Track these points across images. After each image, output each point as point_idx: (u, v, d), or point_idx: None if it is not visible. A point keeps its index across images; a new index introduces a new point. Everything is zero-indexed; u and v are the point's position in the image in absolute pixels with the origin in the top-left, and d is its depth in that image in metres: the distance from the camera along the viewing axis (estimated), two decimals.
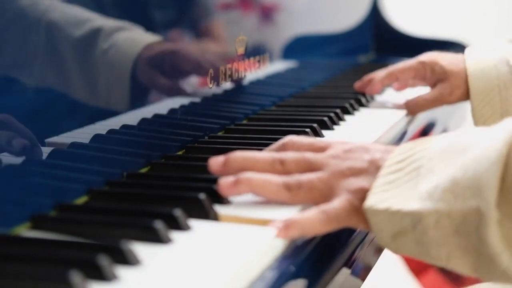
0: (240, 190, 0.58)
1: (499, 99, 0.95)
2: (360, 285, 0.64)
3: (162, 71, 0.79)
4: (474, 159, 0.51)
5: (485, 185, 0.49)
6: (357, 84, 1.08)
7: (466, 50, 1.03)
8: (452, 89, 0.99)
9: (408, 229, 0.52)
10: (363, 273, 0.65)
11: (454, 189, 0.50)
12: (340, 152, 0.60)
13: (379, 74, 1.08)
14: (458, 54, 1.03)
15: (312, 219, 0.55)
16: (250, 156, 0.61)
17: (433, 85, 1.02)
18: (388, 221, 0.53)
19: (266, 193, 0.58)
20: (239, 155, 0.61)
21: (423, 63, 1.01)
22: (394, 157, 0.56)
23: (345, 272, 0.59)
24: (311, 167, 0.59)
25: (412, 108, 1.02)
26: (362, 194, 0.55)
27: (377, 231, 0.54)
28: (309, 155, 0.60)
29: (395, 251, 0.54)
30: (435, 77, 1.00)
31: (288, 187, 0.58)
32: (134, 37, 0.74)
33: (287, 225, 0.54)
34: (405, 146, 0.57)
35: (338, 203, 0.56)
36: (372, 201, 0.54)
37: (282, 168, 0.60)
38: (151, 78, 0.78)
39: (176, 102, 0.83)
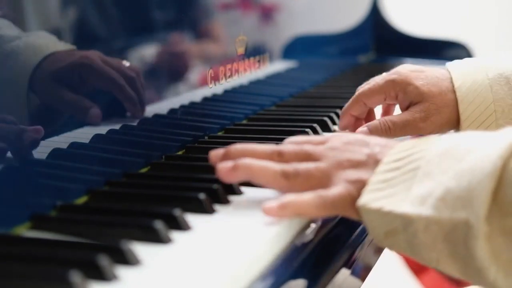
0: (238, 175, 0.58)
1: (495, 128, 0.77)
2: (360, 285, 0.64)
3: (68, 85, 0.65)
4: (469, 169, 0.50)
5: (476, 198, 0.49)
6: (342, 124, 0.85)
7: (449, 65, 0.84)
8: (428, 113, 0.79)
9: (399, 230, 0.52)
10: (363, 273, 0.65)
11: (446, 198, 0.50)
12: (339, 144, 0.60)
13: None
14: (438, 70, 0.83)
15: (308, 202, 0.55)
16: (250, 148, 0.61)
17: (406, 108, 0.82)
18: (380, 220, 0.53)
19: (263, 180, 0.58)
20: (239, 147, 0.61)
21: (392, 82, 0.81)
22: (394, 154, 0.56)
23: (345, 272, 0.59)
24: (309, 158, 0.59)
25: (375, 133, 0.79)
26: (360, 185, 0.55)
27: (371, 228, 0.54)
28: (308, 147, 0.60)
29: (388, 248, 0.55)
30: (408, 99, 0.81)
31: (285, 174, 0.58)
32: (38, 44, 0.62)
33: (283, 205, 0.54)
34: (406, 143, 0.57)
35: (336, 190, 0.56)
36: (366, 199, 0.54)
37: (280, 159, 0.60)
38: (53, 93, 0.64)
39: (176, 102, 0.83)
